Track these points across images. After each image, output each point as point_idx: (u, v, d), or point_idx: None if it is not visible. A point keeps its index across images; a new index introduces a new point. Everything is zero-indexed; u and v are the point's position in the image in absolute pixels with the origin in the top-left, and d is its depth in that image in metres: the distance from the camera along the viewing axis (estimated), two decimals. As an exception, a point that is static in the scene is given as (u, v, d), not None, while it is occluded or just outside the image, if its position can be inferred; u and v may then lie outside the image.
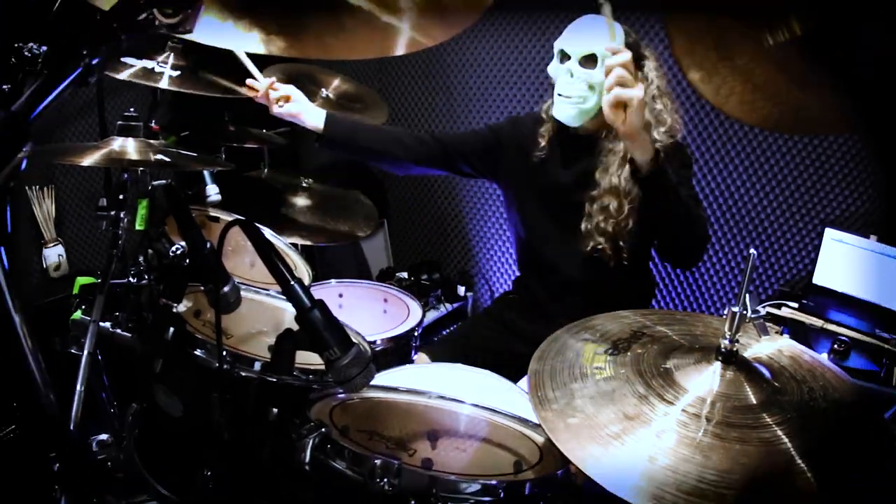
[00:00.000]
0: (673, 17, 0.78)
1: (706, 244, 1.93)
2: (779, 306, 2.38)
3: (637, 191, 1.89)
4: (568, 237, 2.05)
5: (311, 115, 2.15)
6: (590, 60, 1.90)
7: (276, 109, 2.15)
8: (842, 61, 0.73)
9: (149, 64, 2.12)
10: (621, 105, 1.56)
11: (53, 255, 2.90)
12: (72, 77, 0.56)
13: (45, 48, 1.10)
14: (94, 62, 0.56)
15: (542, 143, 2.11)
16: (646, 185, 1.70)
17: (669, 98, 1.99)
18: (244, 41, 0.94)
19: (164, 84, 2.10)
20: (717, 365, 1.21)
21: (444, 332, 3.38)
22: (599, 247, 1.98)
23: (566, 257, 2.10)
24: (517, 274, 2.43)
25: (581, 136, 2.04)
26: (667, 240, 1.90)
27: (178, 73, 2.16)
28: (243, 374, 1.47)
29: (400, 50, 0.98)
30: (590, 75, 1.90)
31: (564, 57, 1.95)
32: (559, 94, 1.95)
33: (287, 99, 2.14)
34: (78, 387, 1.60)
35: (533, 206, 2.16)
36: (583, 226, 2.01)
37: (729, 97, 0.81)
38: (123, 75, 2.05)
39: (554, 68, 2.00)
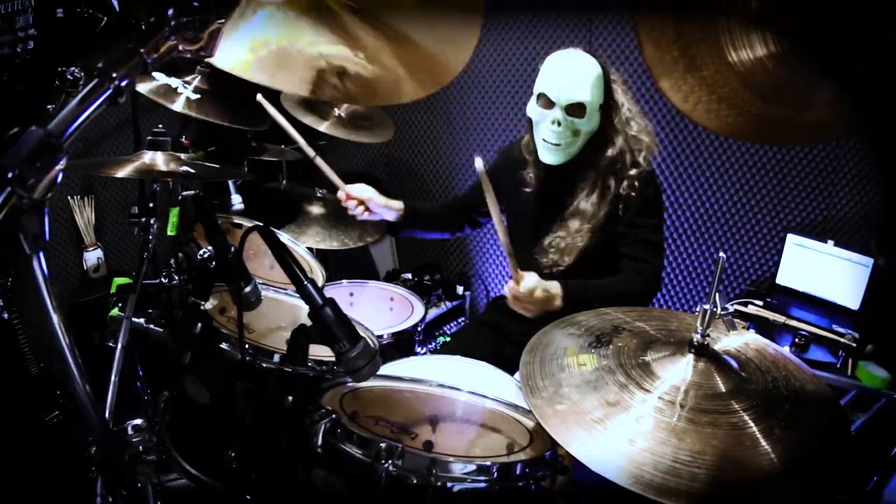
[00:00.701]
0: (641, 25, 0.76)
1: (650, 296, 1.88)
2: (745, 304, 2.37)
3: (601, 215, 1.82)
4: (539, 250, 1.96)
5: (389, 214, 2.19)
6: (577, 109, 1.75)
7: (358, 216, 2.17)
8: (804, 81, 0.72)
9: (173, 82, 2.07)
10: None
11: (93, 258, 2.90)
12: (103, 97, 0.55)
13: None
14: (123, 84, 0.56)
15: (530, 178, 2.00)
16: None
17: (640, 117, 1.87)
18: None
19: (178, 107, 2.05)
20: (690, 357, 1.20)
21: (446, 330, 3.37)
22: (551, 260, 1.90)
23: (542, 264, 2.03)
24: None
25: (562, 166, 1.89)
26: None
27: (199, 96, 2.11)
28: (264, 365, 1.46)
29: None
30: (577, 124, 1.76)
31: (547, 102, 1.78)
32: (544, 140, 1.81)
33: (364, 206, 2.14)
34: (113, 377, 1.60)
35: (517, 221, 2.06)
36: (546, 240, 1.92)
37: (696, 105, 0.80)
38: (144, 89, 1.99)
39: (535, 111, 1.84)
